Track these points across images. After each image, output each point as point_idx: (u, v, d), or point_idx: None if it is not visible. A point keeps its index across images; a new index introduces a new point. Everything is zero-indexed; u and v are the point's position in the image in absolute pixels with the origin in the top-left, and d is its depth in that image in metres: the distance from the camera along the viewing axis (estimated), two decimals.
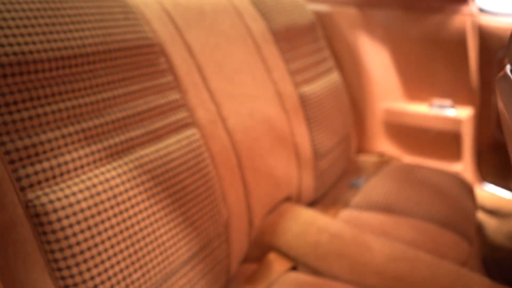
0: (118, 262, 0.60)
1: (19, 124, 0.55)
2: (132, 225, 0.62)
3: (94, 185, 0.59)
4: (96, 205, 0.58)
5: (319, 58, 1.32)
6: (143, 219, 0.64)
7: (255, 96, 1.00)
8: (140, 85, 0.72)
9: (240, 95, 0.95)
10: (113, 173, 0.62)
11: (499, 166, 1.49)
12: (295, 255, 0.92)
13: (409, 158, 1.59)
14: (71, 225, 0.55)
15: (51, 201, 0.54)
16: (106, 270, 0.58)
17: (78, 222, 0.56)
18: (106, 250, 0.58)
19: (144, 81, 0.73)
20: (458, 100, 1.50)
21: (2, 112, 0.53)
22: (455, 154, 1.48)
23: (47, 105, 0.58)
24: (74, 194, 0.56)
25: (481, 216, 1.39)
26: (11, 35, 0.55)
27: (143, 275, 0.63)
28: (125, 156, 0.66)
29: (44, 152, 0.56)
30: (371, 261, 0.87)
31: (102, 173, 0.61)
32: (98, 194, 0.59)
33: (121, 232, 0.61)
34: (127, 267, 0.61)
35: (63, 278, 0.54)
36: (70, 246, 0.55)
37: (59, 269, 0.54)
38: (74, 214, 0.56)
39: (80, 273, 0.55)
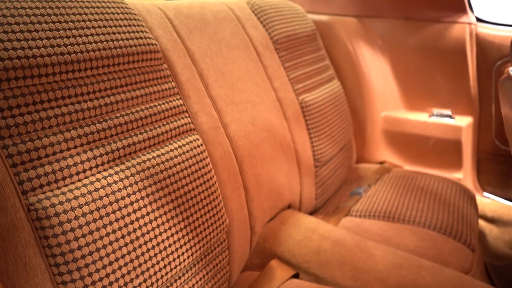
0: (119, 268, 0.59)
1: (21, 128, 0.54)
2: (134, 230, 0.62)
3: (96, 189, 0.59)
4: (98, 209, 0.58)
5: (319, 67, 1.33)
6: (145, 224, 0.64)
7: (256, 103, 1.00)
8: (143, 90, 0.72)
9: (241, 102, 0.96)
10: (115, 177, 0.62)
11: (499, 175, 1.49)
12: (297, 263, 0.91)
13: (409, 167, 1.59)
14: (72, 229, 0.55)
15: (53, 205, 0.54)
16: (107, 276, 0.57)
17: (80, 226, 0.55)
18: (108, 255, 0.58)
19: (146, 86, 0.73)
20: (458, 109, 1.51)
21: (5, 116, 0.53)
22: (455, 162, 1.48)
23: (49, 109, 0.58)
24: (76, 198, 0.56)
25: (482, 224, 1.39)
26: (16, 40, 0.56)
27: (145, 280, 0.62)
28: (127, 161, 0.66)
29: (47, 155, 0.56)
30: (374, 268, 0.86)
31: (104, 178, 0.61)
32: (100, 198, 0.59)
33: (123, 237, 0.60)
34: (128, 272, 0.60)
35: (64, 283, 0.54)
36: (71, 251, 0.54)
37: (60, 274, 0.53)
38: (76, 218, 0.55)
39: (82, 278, 0.55)
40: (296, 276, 0.91)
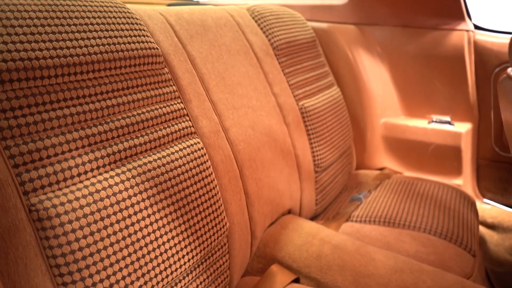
0: (120, 269, 0.59)
1: (24, 129, 0.55)
2: (135, 232, 0.62)
3: (98, 191, 0.59)
4: (99, 210, 0.58)
5: (319, 74, 1.33)
6: (146, 226, 0.64)
7: (256, 108, 1.01)
8: (144, 93, 0.72)
9: (241, 106, 0.96)
10: (116, 179, 0.62)
11: (499, 182, 1.49)
12: (298, 267, 0.91)
13: (409, 173, 1.59)
14: (73, 230, 0.55)
15: (54, 206, 0.54)
16: (108, 277, 0.57)
17: (81, 228, 0.55)
18: (108, 256, 0.58)
19: (148, 90, 0.74)
20: (457, 116, 1.51)
21: (7, 117, 0.53)
22: (455, 169, 1.49)
23: (52, 110, 0.58)
24: (77, 199, 0.56)
25: (482, 230, 1.38)
26: (19, 42, 0.56)
27: (145, 283, 0.62)
28: (128, 163, 0.66)
29: (48, 157, 0.56)
30: (375, 273, 0.86)
31: (106, 179, 0.61)
32: (101, 199, 0.59)
33: (123, 238, 0.60)
34: (129, 274, 0.60)
35: (64, 284, 0.53)
36: (72, 252, 0.54)
37: (61, 275, 0.53)
38: (77, 219, 0.55)
39: (82, 279, 0.54)
40: (297, 281, 0.91)
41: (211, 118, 0.86)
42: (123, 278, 0.59)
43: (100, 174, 0.61)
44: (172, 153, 0.72)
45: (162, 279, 0.65)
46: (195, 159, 0.76)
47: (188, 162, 0.74)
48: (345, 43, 1.52)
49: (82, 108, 0.62)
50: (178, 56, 0.85)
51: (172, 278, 0.68)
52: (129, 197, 0.62)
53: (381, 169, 1.58)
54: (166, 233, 0.67)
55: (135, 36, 0.74)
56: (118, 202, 0.61)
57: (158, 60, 0.77)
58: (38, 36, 0.59)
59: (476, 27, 1.46)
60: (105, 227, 0.58)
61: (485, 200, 1.52)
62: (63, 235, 0.54)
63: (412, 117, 1.61)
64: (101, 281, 0.56)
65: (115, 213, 0.60)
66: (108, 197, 0.60)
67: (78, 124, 0.61)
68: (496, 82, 1.41)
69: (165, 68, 0.79)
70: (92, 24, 0.67)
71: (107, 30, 0.69)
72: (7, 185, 0.52)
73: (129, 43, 0.71)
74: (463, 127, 1.46)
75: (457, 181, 1.48)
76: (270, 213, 1.00)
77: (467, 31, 1.43)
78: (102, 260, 0.57)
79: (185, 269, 0.71)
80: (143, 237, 0.63)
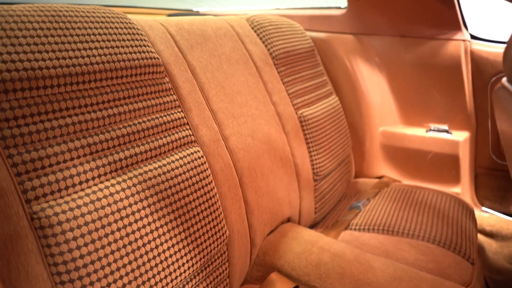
0: (121, 277, 0.59)
1: (26, 138, 0.55)
2: (136, 240, 0.62)
3: (99, 199, 0.59)
4: (100, 218, 0.58)
5: (318, 83, 1.35)
6: (146, 234, 0.64)
7: (255, 116, 1.02)
8: (145, 103, 0.73)
9: (241, 115, 0.97)
10: (117, 187, 0.63)
11: (497, 190, 1.49)
12: (297, 275, 0.91)
13: (408, 181, 1.59)
14: (75, 238, 0.55)
15: (56, 214, 0.54)
16: (109, 285, 0.57)
17: (82, 235, 0.56)
18: (109, 264, 0.58)
19: (148, 99, 0.75)
20: (454, 124, 1.53)
21: (11, 126, 0.54)
22: (453, 177, 1.49)
23: (54, 119, 0.59)
24: (78, 207, 0.57)
25: (481, 238, 1.39)
26: (22, 52, 0.57)
27: None
28: (129, 171, 0.67)
29: (50, 165, 0.57)
30: (374, 281, 0.86)
31: (107, 187, 0.61)
32: (102, 207, 0.59)
33: (124, 246, 0.60)
34: (130, 282, 0.60)
35: None
36: (73, 259, 0.54)
37: (62, 283, 0.54)
38: (78, 227, 0.56)
39: (83, 287, 0.55)
40: None
41: (211, 127, 0.87)
42: (124, 286, 0.59)
43: (101, 182, 0.62)
44: (173, 162, 0.73)
45: (163, 287, 0.66)
46: (195, 167, 0.77)
47: (188, 170, 0.75)
48: (343, 52, 1.54)
49: (84, 117, 0.63)
50: (179, 65, 0.86)
51: (173, 286, 0.68)
52: (130, 205, 0.63)
53: (380, 177, 1.58)
54: (166, 240, 0.67)
55: (136, 46, 0.75)
56: (119, 210, 0.61)
57: (159, 70, 0.78)
58: (42, 46, 0.60)
59: (473, 37, 1.48)
60: (106, 235, 0.59)
61: (483, 208, 1.52)
62: (65, 242, 0.54)
63: (410, 125, 1.62)
64: None
65: (116, 221, 0.60)
66: (109, 205, 0.60)
67: (80, 133, 0.62)
68: (492, 91, 1.43)
69: (166, 78, 0.81)
70: (94, 34, 0.68)
71: (109, 41, 0.70)
72: (9, 193, 0.52)
73: (130, 53, 0.73)
74: (461, 136, 1.47)
75: (455, 189, 1.49)
76: (269, 221, 1.00)
77: (464, 41, 1.45)
78: (103, 268, 0.57)
79: (185, 277, 0.71)
80: (144, 244, 0.63)
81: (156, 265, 0.65)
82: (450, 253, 1.02)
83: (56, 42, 0.62)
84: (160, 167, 0.70)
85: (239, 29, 1.14)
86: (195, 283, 0.75)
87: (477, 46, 1.45)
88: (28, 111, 0.56)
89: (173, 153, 0.75)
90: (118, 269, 0.59)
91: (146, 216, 0.65)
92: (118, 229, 0.60)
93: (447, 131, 1.50)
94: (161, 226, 0.67)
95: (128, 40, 0.74)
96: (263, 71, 1.12)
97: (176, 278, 0.68)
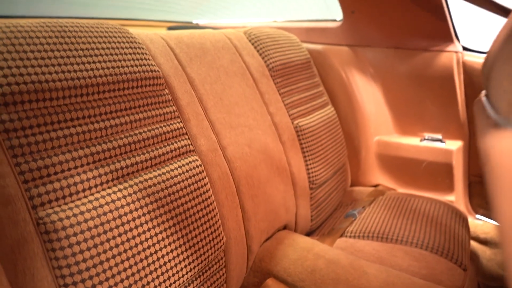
0: (121, 280, 0.62)
1: (33, 147, 0.58)
2: (136, 245, 0.65)
3: (101, 205, 0.62)
4: (102, 224, 0.61)
5: (314, 93, 1.38)
6: (146, 240, 0.67)
7: (253, 127, 1.05)
8: (146, 113, 0.77)
9: (238, 126, 1.00)
10: (119, 194, 0.65)
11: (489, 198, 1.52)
12: (293, 281, 0.93)
13: (403, 190, 1.62)
14: (78, 243, 0.58)
15: (60, 219, 0.57)
16: None
17: (85, 240, 0.59)
18: (110, 268, 0.61)
19: (149, 110, 0.78)
20: (448, 134, 1.56)
21: (18, 135, 0.57)
22: (447, 185, 1.52)
23: (59, 129, 0.62)
24: (82, 213, 0.60)
25: (475, 246, 1.41)
26: (30, 66, 0.60)
27: None
28: (130, 179, 0.69)
29: (55, 173, 0.60)
30: (368, 286, 0.88)
31: (109, 194, 0.64)
32: (104, 214, 0.62)
33: (125, 251, 0.63)
34: (130, 285, 0.63)
35: None
36: (77, 263, 0.57)
37: (66, 285, 0.56)
38: (82, 232, 0.59)
39: None
40: None
41: (209, 137, 0.90)
42: None
43: (103, 189, 0.65)
44: (172, 170, 0.76)
45: None
46: (193, 175, 0.80)
47: (186, 179, 0.78)
48: (339, 64, 1.58)
49: (88, 127, 0.66)
50: (178, 77, 0.89)
51: None
52: (131, 211, 0.66)
53: (375, 185, 1.61)
54: (165, 246, 0.70)
55: (137, 59, 0.78)
56: (120, 216, 0.64)
57: (159, 82, 0.82)
58: (48, 60, 0.63)
59: (465, 48, 1.52)
60: (108, 240, 0.61)
61: (477, 216, 1.55)
62: (69, 247, 0.57)
63: (405, 135, 1.65)
64: None
65: (117, 227, 0.63)
66: (111, 211, 0.63)
67: (83, 142, 0.65)
68: None
69: (166, 89, 0.84)
70: (97, 48, 0.72)
71: (111, 54, 0.73)
72: (17, 200, 0.55)
73: (131, 66, 0.76)
74: (454, 145, 1.50)
75: (449, 198, 1.51)
76: (266, 229, 1.03)
77: (456, 52, 1.49)
78: (104, 271, 0.60)
79: (184, 281, 0.73)
80: (144, 249, 0.66)
81: (155, 269, 0.67)
82: (442, 259, 1.04)
83: (62, 56, 0.65)
84: (159, 175, 0.73)
85: (237, 42, 1.17)
86: None
87: (469, 57, 1.49)
88: (35, 121, 0.59)
89: (172, 162, 0.78)
90: (119, 272, 0.62)
91: (146, 222, 0.68)
92: (119, 235, 0.63)
93: (441, 140, 1.54)
94: (160, 232, 0.70)
95: (130, 53, 0.78)
96: (260, 82, 1.16)
97: (174, 282, 0.71)
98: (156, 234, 0.69)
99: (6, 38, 0.60)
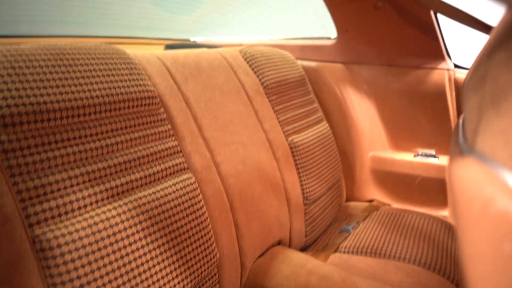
0: None
1: (31, 166, 0.60)
2: (130, 262, 0.66)
3: (96, 223, 0.64)
4: (96, 241, 0.63)
5: (308, 110, 1.41)
6: (140, 256, 0.68)
7: (247, 144, 1.07)
8: (141, 132, 0.79)
9: (232, 143, 1.02)
10: (114, 212, 0.67)
11: None
12: None
13: (397, 205, 1.63)
14: (73, 260, 0.59)
15: (56, 237, 0.59)
16: None
17: (80, 257, 0.60)
18: (104, 285, 0.62)
19: (144, 129, 0.80)
20: (441, 149, 1.58)
21: (17, 155, 0.59)
22: (440, 200, 1.54)
23: (56, 149, 0.64)
24: (77, 231, 0.61)
25: None
26: (29, 88, 0.63)
27: None
28: (125, 197, 0.71)
29: (52, 192, 0.62)
30: None
31: (104, 212, 0.66)
32: (99, 231, 0.64)
33: (119, 268, 0.65)
34: None
35: None
36: (71, 280, 0.59)
37: None
38: (77, 249, 0.60)
39: None
40: None
41: (203, 155, 0.92)
42: None
43: (98, 207, 0.67)
44: (166, 188, 0.78)
45: None
46: (187, 193, 0.82)
47: (180, 196, 0.80)
48: (333, 81, 1.61)
49: (84, 147, 0.68)
50: (174, 96, 0.92)
51: None
52: (125, 229, 0.67)
53: (370, 201, 1.63)
54: (159, 263, 0.71)
55: (133, 80, 0.81)
56: (114, 234, 0.66)
57: (154, 102, 0.84)
58: (47, 82, 0.65)
59: (456, 66, 1.55)
60: (102, 257, 0.63)
61: None
62: (63, 264, 0.58)
63: (399, 150, 1.68)
64: None
65: (111, 244, 0.65)
66: (105, 229, 0.65)
67: (79, 162, 0.67)
68: None
69: (161, 109, 0.86)
70: (95, 70, 0.74)
71: (108, 75, 0.76)
72: (14, 218, 0.57)
73: (128, 86, 0.78)
74: (447, 160, 1.52)
75: (443, 213, 1.53)
76: (259, 245, 1.04)
77: (448, 69, 1.52)
78: None
79: None
80: (137, 266, 0.68)
81: (149, 286, 0.69)
82: (435, 275, 1.06)
83: (60, 78, 0.68)
84: (154, 193, 0.75)
85: (232, 61, 1.20)
86: None
87: (461, 74, 1.52)
88: (33, 141, 0.62)
89: (167, 180, 0.80)
90: None
91: (140, 239, 0.69)
92: (114, 252, 0.65)
93: (434, 156, 1.56)
94: (154, 249, 0.71)
95: (126, 74, 0.80)
96: (254, 100, 1.18)
97: None
98: (150, 251, 0.70)
99: (7, 62, 0.63)
